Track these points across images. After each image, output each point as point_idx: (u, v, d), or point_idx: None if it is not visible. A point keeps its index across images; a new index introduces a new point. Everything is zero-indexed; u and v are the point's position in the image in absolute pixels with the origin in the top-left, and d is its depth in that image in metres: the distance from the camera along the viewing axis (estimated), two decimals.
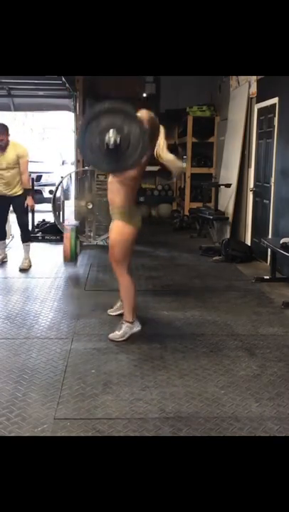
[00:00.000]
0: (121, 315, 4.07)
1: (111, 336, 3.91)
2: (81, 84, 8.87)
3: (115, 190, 3.79)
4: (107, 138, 3.26)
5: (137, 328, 3.95)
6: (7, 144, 5.80)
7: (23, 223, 6.20)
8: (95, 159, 3.40)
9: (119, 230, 3.82)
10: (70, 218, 7.63)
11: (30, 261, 6.17)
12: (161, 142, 3.76)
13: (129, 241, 3.84)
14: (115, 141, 3.23)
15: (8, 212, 6.31)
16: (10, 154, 5.80)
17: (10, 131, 5.86)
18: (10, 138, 5.85)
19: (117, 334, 3.90)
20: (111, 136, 3.25)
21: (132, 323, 3.92)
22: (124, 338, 3.88)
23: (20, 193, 5.98)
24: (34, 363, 3.47)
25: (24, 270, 6.03)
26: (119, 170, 3.48)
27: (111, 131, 3.27)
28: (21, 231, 6.21)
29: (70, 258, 6.26)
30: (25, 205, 6.09)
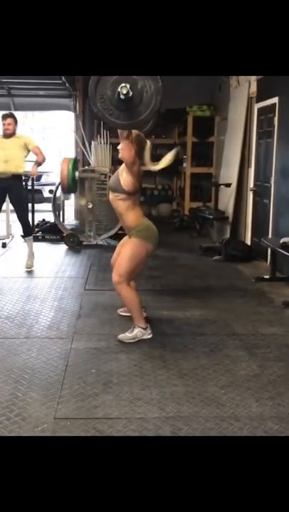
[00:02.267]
0: (129, 316, 4.04)
1: (121, 336, 3.88)
2: (81, 84, 8.88)
3: (123, 213, 3.79)
4: (119, 88, 3.16)
5: (148, 335, 3.91)
6: (13, 133, 5.87)
7: (22, 217, 6.15)
8: (105, 111, 3.29)
9: (135, 245, 3.78)
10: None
11: (33, 257, 6.16)
12: (147, 156, 3.73)
13: (142, 259, 3.82)
14: (128, 92, 3.13)
15: (3, 201, 6.16)
16: (15, 141, 5.86)
17: (17, 124, 5.97)
18: (16, 131, 5.93)
19: (127, 336, 3.87)
20: (123, 87, 3.14)
21: (145, 329, 3.90)
22: (133, 341, 3.85)
23: (17, 173, 5.88)
24: (34, 363, 3.47)
25: (29, 269, 6.04)
26: (128, 126, 3.35)
27: (123, 84, 3.16)
28: (22, 225, 6.17)
29: (68, 187, 6.10)
30: (22, 193, 6.09)
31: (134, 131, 3.66)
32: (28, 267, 6.08)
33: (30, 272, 5.99)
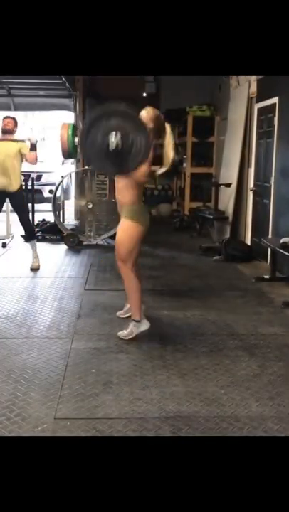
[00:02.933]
0: (130, 317, 4.06)
1: (119, 333, 3.92)
2: (81, 84, 8.89)
3: (123, 189, 3.80)
4: (109, 140, 3.23)
5: (144, 326, 3.94)
6: (12, 131, 5.85)
7: (25, 222, 6.17)
8: (96, 160, 3.37)
9: (126, 228, 3.81)
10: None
11: (39, 259, 6.17)
12: (169, 140, 3.76)
13: (135, 240, 3.83)
14: (118, 144, 3.20)
15: (2, 206, 6.14)
16: (12, 145, 5.82)
17: (17, 126, 5.96)
18: (15, 134, 5.91)
19: (124, 332, 3.91)
20: (114, 139, 3.21)
21: (138, 321, 3.91)
22: (131, 337, 3.87)
23: (17, 188, 5.89)
24: (34, 363, 3.47)
25: (35, 269, 6.04)
26: (120, 173, 3.46)
27: (114, 133, 3.23)
28: (25, 230, 6.18)
29: (68, 152, 6.05)
30: (23, 201, 6.09)
31: (155, 111, 3.75)
32: (34, 267, 6.08)
33: (30, 272, 5.98)
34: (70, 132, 6.10)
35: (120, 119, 3.28)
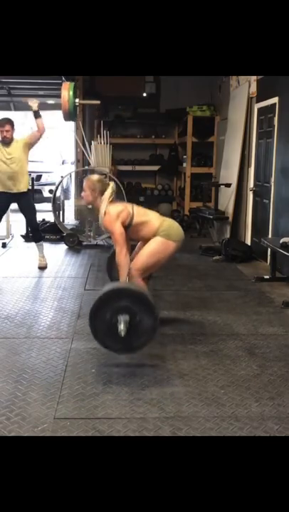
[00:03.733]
0: None
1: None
2: (81, 84, 8.88)
3: (135, 235, 3.83)
4: (118, 320, 3.26)
5: None
6: (12, 138, 5.79)
7: (33, 224, 6.20)
8: (101, 334, 3.39)
9: (156, 244, 3.76)
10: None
11: (45, 258, 6.19)
12: (106, 197, 3.78)
13: (163, 256, 3.80)
14: (123, 330, 3.24)
15: (5, 212, 6.18)
16: (15, 146, 5.78)
17: (15, 128, 5.88)
18: (14, 135, 5.86)
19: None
20: (122, 327, 3.24)
21: None
22: None
23: (25, 190, 5.90)
24: (34, 363, 3.47)
25: (42, 268, 6.07)
26: (131, 352, 3.49)
27: (122, 320, 3.26)
28: (32, 231, 6.21)
29: (69, 113, 6.01)
30: (31, 202, 6.10)
31: (92, 179, 3.83)
32: (42, 266, 6.11)
33: (30, 272, 5.98)
34: (70, 93, 6.07)
35: (130, 299, 3.30)
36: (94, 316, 3.31)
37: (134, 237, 3.90)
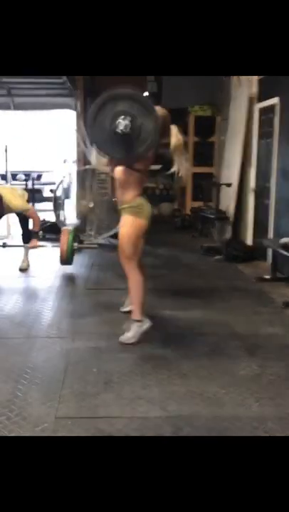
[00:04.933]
0: (151, 320, 4.03)
1: (122, 339, 3.83)
2: (82, 83, 8.87)
3: (123, 186, 3.80)
4: (117, 123, 3.20)
5: (146, 325, 3.87)
6: None
7: (23, 225, 6.18)
8: (105, 145, 3.32)
9: (128, 224, 3.81)
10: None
11: (29, 261, 6.18)
12: (174, 141, 3.76)
13: (138, 235, 3.82)
14: (126, 126, 3.17)
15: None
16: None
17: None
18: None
19: (127, 336, 3.84)
20: (122, 122, 3.18)
21: (141, 321, 3.86)
22: (135, 339, 3.81)
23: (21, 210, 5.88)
24: (35, 362, 3.47)
25: (23, 270, 6.05)
26: (124, 158, 3.42)
27: (122, 117, 3.20)
28: (23, 233, 6.21)
29: (67, 259, 6.15)
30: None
31: (163, 111, 3.74)
32: (22, 267, 6.09)
33: (30, 272, 5.99)
34: (70, 238, 6.14)
35: (128, 103, 3.24)
36: (94, 123, 3.23)
37: (118, 183, 3.84)
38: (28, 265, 6.14)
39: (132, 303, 3.96)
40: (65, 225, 8.12)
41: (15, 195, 5.80)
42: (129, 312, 4.10)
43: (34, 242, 6.00)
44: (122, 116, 3.22)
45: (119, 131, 3.20)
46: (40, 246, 6.19)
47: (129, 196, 3.79)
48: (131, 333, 3.84)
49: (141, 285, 3.88)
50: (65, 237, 6.04)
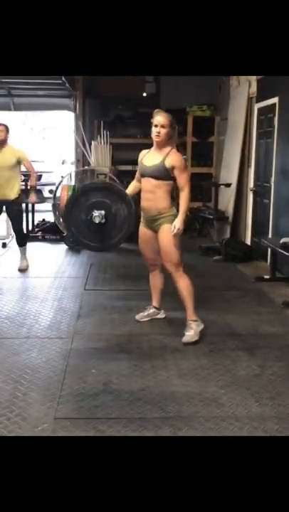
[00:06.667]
0: (150, 320, 4.17)
1: (185, 339, 3.87)
2: (81, 84, 8.87)
3: (160, 195, 3.86)
4: (93, 215, 3.32)
5: (202, 325, 4.01)
6: (5, 141, 5.76)
7: (18, 230, 6.14)
8: (79, 235, 3.45)
9: (170, 233, 3.85)
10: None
11: (27, 261, 6.17)
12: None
13: (180, 241, 3.93)
14: (101, 218, 3.31)
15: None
16: (7, 155, 5.74)
17: (10, 133, 5.84)
18: (9, 141, 5.83)
19: (190, 335, 3.89)
20: (97, 213, 3.30)
21: (197, 320, 3.98)
22: (198, 337, 3.90)
23: (13, 198, 5.82)
24: (34, 363, 3.47)
25: (23, 270, 6.04)
26: (103, 249, 3.57)
27: (98, 211, 3.34)
28: (17, 237, 6.18)
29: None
30: (19, 211, 6.10)
31: (167, 116, 3.89)
32: (22, 268, 6.07)
33: (30, 272, 5.98)
34: (69, 193, 6.16)
35: (100, 194, 3.39)
36: (69, 219, 3.37)
37: (156, 196, 3.87)
38: (27, 265, 6.13)
39: (187, 305, 3.99)
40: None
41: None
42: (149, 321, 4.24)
43: (33, 196, 5.93)
44: (96, 213, 3.36)
45: (96, 222, 3.33)
46: (38, 202, 6.13)
47: (166, 204, 3.87)
48: (192, 332, 3.91)
49: (192, 287, 3.97)
50: (65, 193, 5.99)
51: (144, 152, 4.03)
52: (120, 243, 3.44)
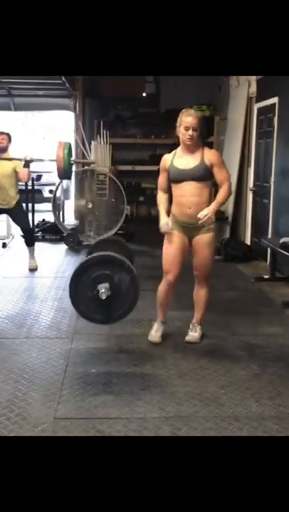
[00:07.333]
0: (150, 321, 4.11)
1: (190, 339, 3.89)
2: (81, 84, 8.88)
3: (205, 198, 3.70)
4: (100, 291, 3.28)
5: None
6: (6, 149, 5.78)
7: (26, 229, 6.18)
8: (89, 313, 3.45)
9: (212, 244, 3.80)
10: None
11: (36, 261, 6.18)
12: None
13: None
14: (107, 291, 3.28)
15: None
16: (7, 164, 5.75)
17: (12, 140, 5.89)
18: (10, 152, 5.86)
19: (194, 336, 3.92)
20: (102, 287, 3.27)
21: (202, 326, 4.01)
22: (200, 341, 3.92)
23: (14, 204, 5.85)
24: (34, 363, 3.47)
25: (33, 270, 6.04)
26: (116, 320, 3.53)
27: (101, 285, 3.30)
28: (26, 236, 6.18)
29: (65, 172, 6.01)
30: (22, 211, 6.09)
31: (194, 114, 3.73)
32: (32, 267, 6.08)
33: (30, 272, 5.98)
34: (65, 152, 6.11)
35: (99, 266, 3.34)
36: (76, 299, 3.37)
37: (200, 199, 3.69)
38: (37, 266, 6.12)
39: (202, 311, 3.98)
40: (64, 226, 8.12)
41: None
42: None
43: (25, 172, 5.81)
44: (102, 289, 3.29)
45: (103, 296, 3.28)
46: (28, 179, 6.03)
47: (207, 205, 3.67)
48: (198, 335, 3.93)
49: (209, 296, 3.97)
50: (61, 150, 5.94)
51: (168, 157, 3.82)
52: (131, 309, 3.46)
